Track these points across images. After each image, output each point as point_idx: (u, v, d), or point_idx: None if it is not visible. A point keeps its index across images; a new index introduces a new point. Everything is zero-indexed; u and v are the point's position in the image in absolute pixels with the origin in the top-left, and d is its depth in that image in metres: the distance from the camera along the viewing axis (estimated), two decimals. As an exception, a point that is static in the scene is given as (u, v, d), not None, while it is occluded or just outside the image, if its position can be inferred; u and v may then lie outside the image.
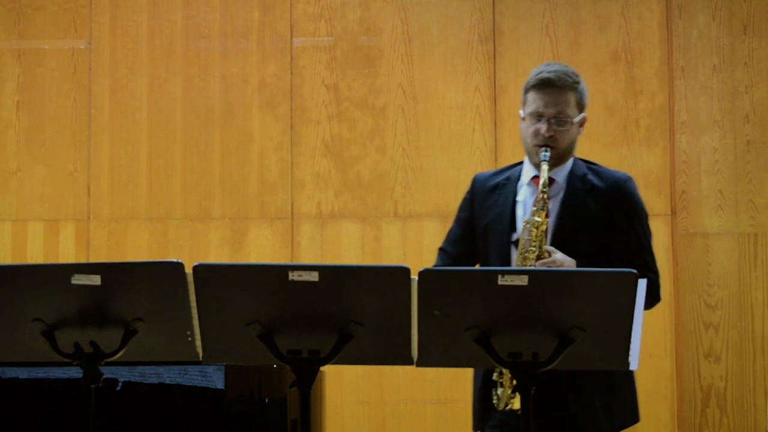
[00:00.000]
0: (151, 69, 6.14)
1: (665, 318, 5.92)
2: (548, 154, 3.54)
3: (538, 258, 3.49)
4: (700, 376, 5.91)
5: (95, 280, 2.87)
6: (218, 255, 5.97)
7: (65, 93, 6.12)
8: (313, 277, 2.83)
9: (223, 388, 3.71)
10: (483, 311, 2.86)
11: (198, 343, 2.93)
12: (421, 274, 2.84)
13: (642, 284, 2.88)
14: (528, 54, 6.06)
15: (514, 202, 3.65)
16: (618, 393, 3.57)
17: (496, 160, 5.96)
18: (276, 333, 2.90)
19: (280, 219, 6.05)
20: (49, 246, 6.04)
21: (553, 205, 3.58)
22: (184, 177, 6.08)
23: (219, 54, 6.14)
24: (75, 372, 3.04)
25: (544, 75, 3.60)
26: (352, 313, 2.87)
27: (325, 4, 6.15)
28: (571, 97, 3.61)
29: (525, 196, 3.64)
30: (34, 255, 6.03)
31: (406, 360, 2.94)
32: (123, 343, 2.94)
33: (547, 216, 3.53)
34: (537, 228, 3.50)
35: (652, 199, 5.96)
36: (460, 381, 5.86)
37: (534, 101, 3.61)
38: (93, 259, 5.94)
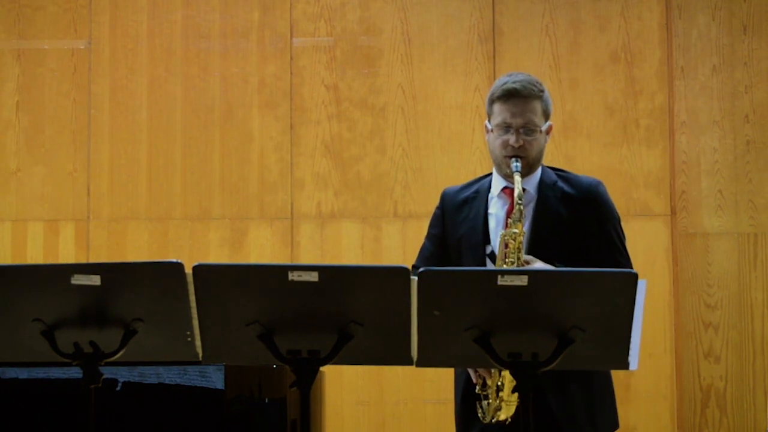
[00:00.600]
0: (151, 69, 6.14)
1: (665, 318, 5.92)
2: (519, 164, 3.53)
3: None
4: (700, 376, 5.91)
5: (95, 280, 2.87)
6: (218, 255, 5.97)
7: (65, 93, 6.13)
8: (313, 277, 2.83)
9: (223, 388, 3.71)
10: (483, 311, 2.86)
11: (198, 343, 2.93)
12: (421, 274, 2.84)
13: (642, 284, 2.88)
14: (528, 54, 6.06)
15: (486, 215, 3.64)
16: (598, 399, 3.59)
17: (495, 160, 5.96)
18: (276, 333, 2.90)
19: (280, 219, 6.06)
20: (49, 246, 6.04)
21: (526, 214, 3.58)
22: (184, 177, 6.08)
23: (219, 54, 6.15)
24: (75, 372, 3.04)
25: (510, 85, 3.59)
26: (352, 313, 2.87)
27: (325, 4, 6.15)
28: (538, 106, 3.59)
29: (496, 209, 3.64)
30: (34, 255, 6.03)
31: (406, 360, 2.94)
32: (123, 344, 2.94)
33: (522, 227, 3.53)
34: (514, 239, 3.49)
35: (652, 199, 5.96)
36: (460, 381, 5.86)
37: (501, 112, 3.59)
38: (93, 259, 5.94)
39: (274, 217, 6.06)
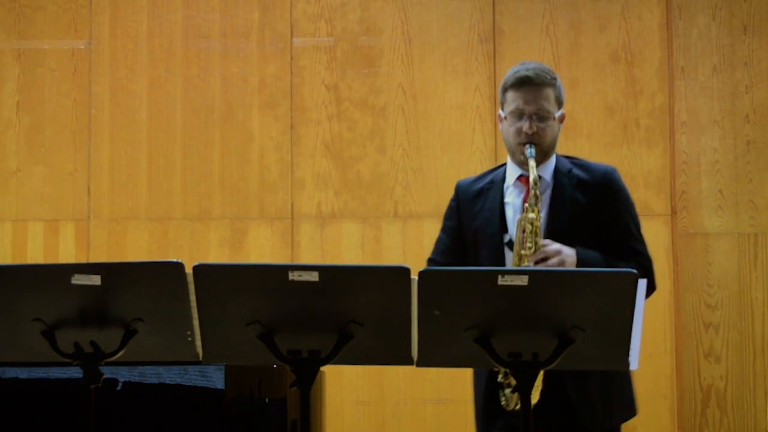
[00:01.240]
0: (151, 69, 6.14)
1: (665, 318, 5.92)
2: (534, 150, 3.55)
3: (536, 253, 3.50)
4: (700, 376, 5.91)
5: (95, 280, 2.87)
6: (218, 255, 5.97)
7: (65, 93, 6.13)
8: (313, 277, 2.83)
9: (223, 388, 3.71)
10: (483, 311, 2.86)
11: (198, 343, 2.93)
12: (421, 274, 2.84)
13: (642, 284, 2.89)
14: (528, 54, 6.06)
15: (502, 204, 3.65)
16: (616, 387, 3.59)
17: (496, 160, 5.96)
18: (276, 333, 2.90)
19: (280, 219, 6.05)
20: (49, 246, 6.04)
21: (543, 202, 3.59)
22: (184, 177, 6.08)
23: (219, 54, 6.14)
24: (75, 372, 3.04)
25: (522, 73, 3.61)
26: (352, 313, 2.87)
27: (325, 4, 6.15)
28: (551, 93, 3.62)
29: (513, 197, 3.64)
30: (34, 255, 6.02)
31: (406, 360, 2.94)
32: (123, 343, 2.94)
33: (539, 212, 3.54)
34: (531, 224, 3.50)
35: (652, 199, 5.96)
36: (460, 381, 5.86)
37: (514, 100, 3.61)
38: (93, 259, 5.94)
39: (274, 217, 6.06)
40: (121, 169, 6.09)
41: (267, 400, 3.87)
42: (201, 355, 2.95)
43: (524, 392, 2.93)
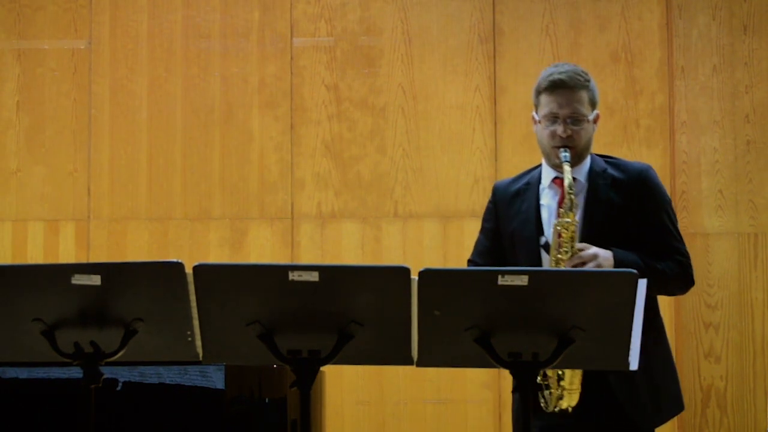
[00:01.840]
0: (151, 69, 6.14)
1: (665, 318, 5.89)
2: (568, 154, 3.55)
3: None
4: (700, 376, 5.91)
5: (95, 280, 2.87)
6: (218, 255, 5.97)
7: (65, 93, 6.13)
8: (313, 277, 2.83)
9: (223, 388, 3.71)
10: (483, 311, 2.86)
11: (198, 343, 2.93)
12: (421, 274, 2.84)
13: (642, 284, 2.88)
14: (528, 54, 6.06)
15: (538, 207, 3.65)
16: (662, 382, 3.58)
17: (496, 160, 5.97)
18: (276, 333, 2.90)
19: (280, 219, 6.05)
20: (49, 246, 6.04)
21: (578, 204, 3.58)
22: (184, 177, 6.08)
23: (219, 54, 6.14)
24: (75, 372, 3.04)
25: (556, 77, 3.61)
26: (352, 313, 2.87)
27: (325, 4, 6.15)
28: (584, 96, 3.62)
29: (548, 199, 3.65)
30: (34, 255, 6.02)
31: (406, 360, 2.94)
32: (123, 343, 2.94)
33: (575, 216, 3.54)
34: (567, 229, 3.50)
35: (652, 199, 5.96)
36: (460, 381, 5.87)
37: (548, 103, 3.61)
38: (93, 259, 5.94)
39: (274, 217, 6.06)
40: (121, 169, 6.08)
41: (267, 400, 3.87)
42: (201, 355, 2.95)
43: (524, 392, 2.93)
